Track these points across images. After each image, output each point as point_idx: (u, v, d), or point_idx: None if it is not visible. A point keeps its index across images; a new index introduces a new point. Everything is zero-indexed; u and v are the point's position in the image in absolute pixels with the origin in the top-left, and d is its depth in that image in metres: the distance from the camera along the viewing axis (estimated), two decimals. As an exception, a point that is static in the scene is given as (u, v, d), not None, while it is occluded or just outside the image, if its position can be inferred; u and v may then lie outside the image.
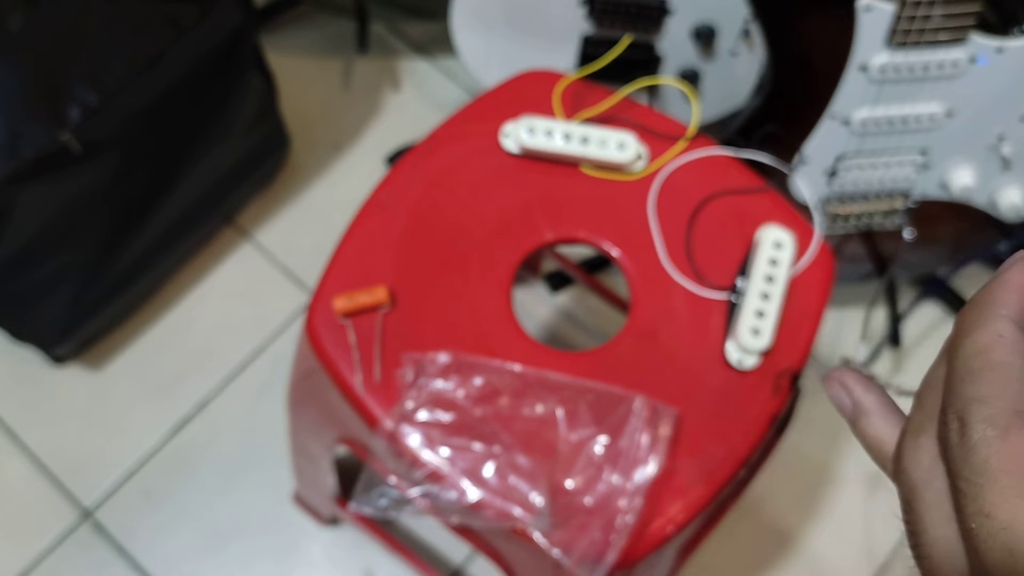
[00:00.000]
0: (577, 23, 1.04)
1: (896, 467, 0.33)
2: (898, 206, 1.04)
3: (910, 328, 1.25)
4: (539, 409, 0.67)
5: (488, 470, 0.65)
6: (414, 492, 0.66)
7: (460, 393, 0.67)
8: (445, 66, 1.39)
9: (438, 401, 0.67)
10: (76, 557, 1.06)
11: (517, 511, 0.64)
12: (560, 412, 0.67)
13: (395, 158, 1.30)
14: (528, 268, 1.24)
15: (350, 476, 0.82)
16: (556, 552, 0.64)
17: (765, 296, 0.70)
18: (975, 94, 0.92)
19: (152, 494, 1.10)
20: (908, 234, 1.06)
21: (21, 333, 1.07)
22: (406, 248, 0.72)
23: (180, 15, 0.97)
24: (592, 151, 0.75)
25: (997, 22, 0.89)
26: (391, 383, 0.68)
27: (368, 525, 1.04)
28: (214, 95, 1.08)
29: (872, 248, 1.10)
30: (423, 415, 0.66)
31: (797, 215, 0.76)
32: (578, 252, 1.21)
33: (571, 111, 0.78)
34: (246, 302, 1.21)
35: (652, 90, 1.09)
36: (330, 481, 0.94)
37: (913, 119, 0.94)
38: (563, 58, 1.06)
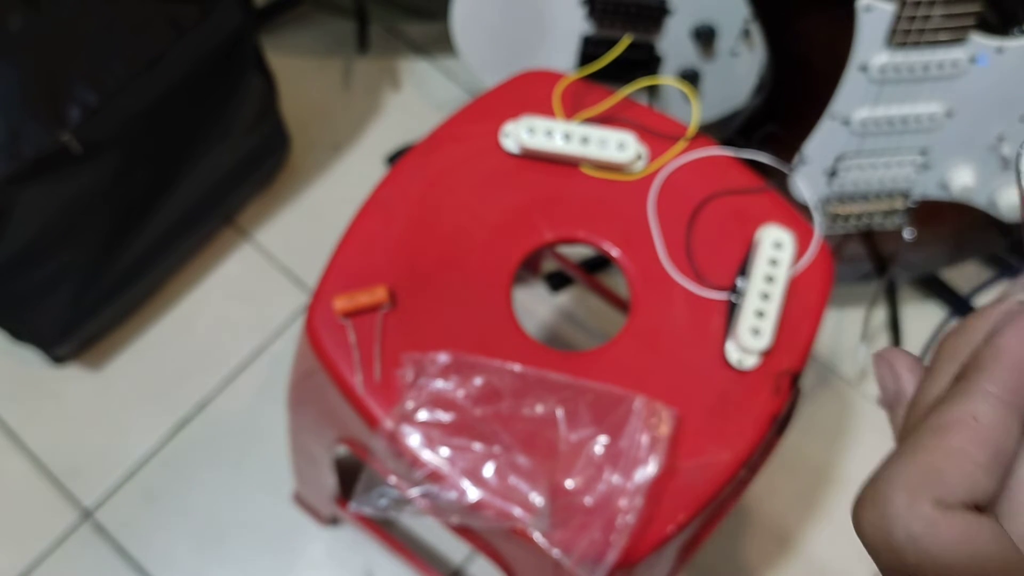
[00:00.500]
0: (577, 23, 1.04)
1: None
2: (898, 206, 1.04)
3: (910, 328, 1.25)
4: (539, 409, 0.67)
5: (488, 470, 0.65)
6: (414, 492, 0.66)
7: (460, 393, 0.67)
8: (445, 66, 1.39)
9: (438, 401, 0.67)
10: (76, 557, 1.06)
11: (517, 511, 0.64)
12: (560, 412, 0.67)
13: (395, 158, 1.30)
14: (528, 268, 1.24)
15: (350, 476, 0.82)
16: (556, 552, 0.64)
17: (765, 296, 0.70)
18: (975, 94, 0.92)
19: (152, 494, 1.10)
20: (908, 234, 1.06)
21: (21, 333, 1.07)
22: (406, 248, 0.72)
23: (180, 15, 0.97)
24: (592, 151, 0.75)
25: (997, 22, 0.89)
26: (391, 383, 0.67)
27: (368, 525, 1.04)
28: (214, 95, 1.08)
29: (872, 248, 1.10)
30: (423, 415, 0.66)
31: (797, 215, 0.76)
32: (578, 252, 1.21)
33: (571, 111, 0.78)
34: (246, 302, 1.21)
35: (652, 90, 1.09)
36: (330, 481, 0.94)
37: (913, 119, 0.94)
38: (563, 58, 1.06)
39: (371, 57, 1.39)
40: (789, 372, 0.70)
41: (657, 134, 0.78)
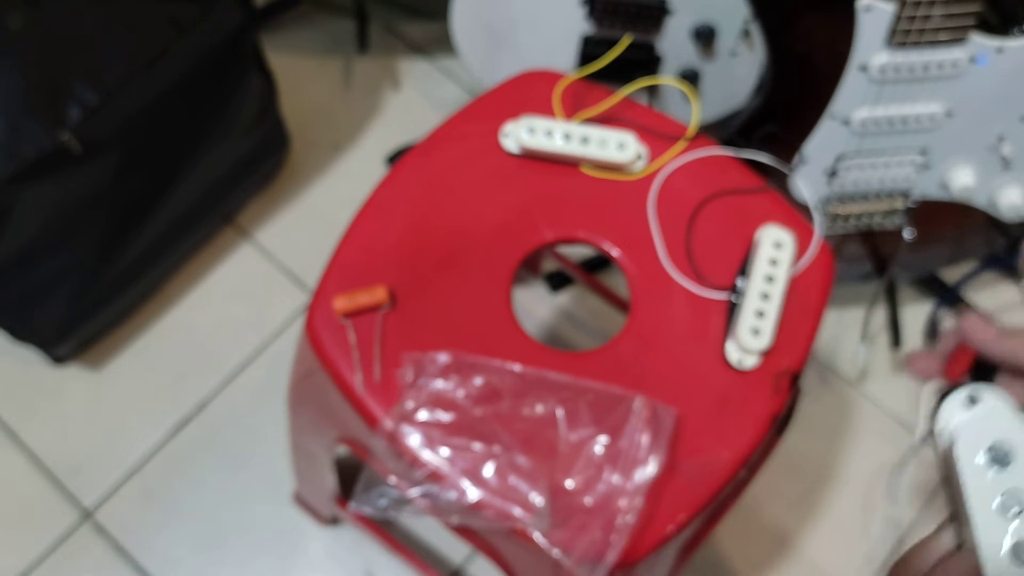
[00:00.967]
0: (577, 23, 1.04)
1: None
2: (898, 206, 1.04)
3: (910, 328, 1.25)
4: (539, 409, 0.67)
5: (488, 470, 0.65)
6: (414, 492, 0.66)
7: (460, 393, 0.67)
8: (445, 66, 1.39)
9: (438, 401, 0.67)
10: (76, 557, 1.06)
11: (517, 511, 0.64)
12: (560, 412, 0.67)
13: (395, 158, 1.30)
14: (528, 268, 1.24)
15: (350, 476, 0.82)
16: (556, 552, 0.64)
17: (765, 296, 0.70)
18: (975, 94, 0.92)
19: (152, 494, 1.10)
20: (908, 234, 1.06)
21: (21, 333, 1.07)
22: (406, 248, 0.72)
23: (180, 15, 0.97)
24: (592, 151, 0.75)
25: (997, 22, 0.89)
26: (391, 383, 0.68)
27: (368, 525, 1.04)
28: (214, 95, 1.08)
29: (872, 248, 1.10)
30: (423, 415, 0.66)
31: (797, 215, 0.76)
32: (578, 252, 1.21)
33: (571, 111, 0.78)
34: (246, 302, 1.21)
35: (652, 90, 1.09)
36: (330, 481, 0.94)
37: (913, 119, 0.94)
38: (563, 58, 1.06)
39: (371, 57, 1.39)
40: (789, 372, 0.70)
41: (657, 134, 0.78)
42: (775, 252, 0.72)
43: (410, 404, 0.66)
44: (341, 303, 0.69)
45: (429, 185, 0.75)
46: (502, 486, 0.65)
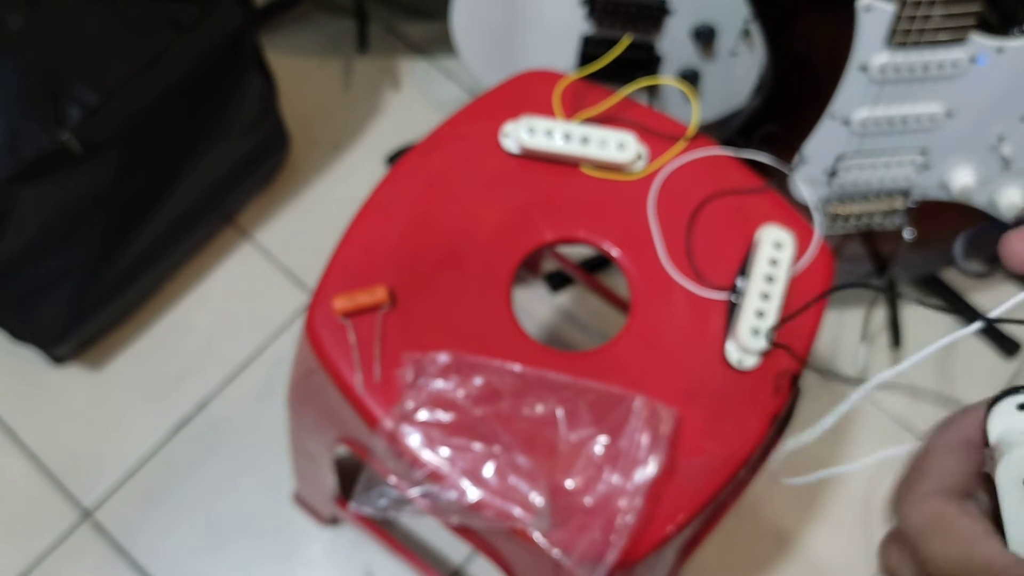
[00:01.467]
0: (577, 23, 1.04)
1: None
2: (898, 206, 1.04)
3: (910, 328, 1.25)
4: (539, 409, 0.67)
5: (488, 470, 0.65)
6: (414, 492, 0.66)
7: (460, 393, 0.67)
8: (445, 66, 1.39)
9: (438, 401, 0.67)
10: (76, 557, 1.06)
11: (517, 511, 0.64)
12: (560, 412, 0.67)
13: (395, 158, 1.30)
14: (528, 268, 1.24)
15: (350, 476, 0.82)
16: (556, 552, 0.64)
17: (765, 296, 0.70)
18: (975, 94, 0.92)
19: (152, 494, 1.10)
20: (908, 234, 1.06)
21: (21, 333, 1.07)
22: (406, 248, 0.72)
23: (180, 15, 0.97)
24: (592, 151, 0.75)
25: (997, 22, 0.89)
26: (391, 383, 0.68)
27: (368, 525, 1.04)
28: (214, 95, 1.08)
29: (872, 248, 1.10)
30: (423, 415, 0.66)
31: (797, 215, 0.76)
32: (578, 252, 1.21)
33: (571, 111, 0.78)
34: (246, 302, 1.21)
35: (652, 90, 1.09)
36: (330, 481, 0.94)
37: (913, 119, 0.94)
38: (563, 58, 1.06)
39: (371, 57, 1.39)
40: (789, 372, 0.70)
41: (657, 134, 0.78)
42: (775, 252, 0.72)
43: (410, 404, 0.66)
44: (341, 303, 0.69)
45: (429, 185, 0.75)
46: (502, 486, 0.65)
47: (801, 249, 0.74)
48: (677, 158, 0.77)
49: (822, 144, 0.96)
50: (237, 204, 1.23)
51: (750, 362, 0.70)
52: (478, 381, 0.67)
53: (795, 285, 0.72)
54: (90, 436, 1.12)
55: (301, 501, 1.09)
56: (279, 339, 1.19)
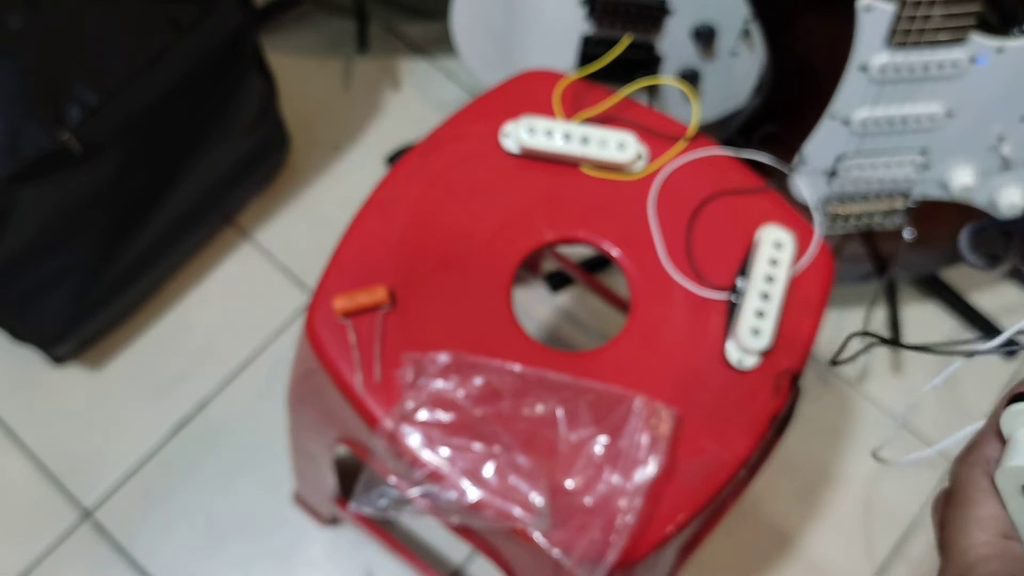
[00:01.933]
0: (577, 23, 1.04)
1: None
2: (898, 206, 1.04)
3: (910, 328, 1.25)
4: (539, 409, 0.67)
5: (488, 470, 0.65)
6: (414, 492, 0.66)
7: (460, 393, 0.67)
8: (445, 66, 1.39)
9: (438, 401, 0.67)
10: (76, 557, 1.06)
11: (517, 511, 0.64)
12: (560, 412, 0.67)
13: (395, 158, 1.30)
14: (528, 268, 1.24)
15: (350, 476, 0.82)
16: (556, 552, 0.64)
17: (765, 296, 0.70)
18: (975, 94, 0.92)
19: (152, 494, 1.10)
20: (908, 234, 1.06)
21: (21, 333, 1.07)
22: (406, 248, 0.72)
23: (180, 15, 0.97)
24: (592, 151, 0.75)
25: (997, 22, 0.89)
26: (391, 383, 0.68)
27: (368, 525, 1.04)
28: (214, 95, 1.08)
29: (872, 248, 1.10)
30: (423, 415, 0.66)
31: (797, 215, 0.76)
32: (578, 252, 1.21)
33: (571, 111, 0.78)
34: (246, 302, 1.21)
35: (652, 90, 1.09)
36: (330, 481, 0.94)
37: (913, 119, 0.94)
38: (563, 58, 1.06)
39: (371, 57, 1.39)
40: (789, 372, 0.70)
41: (657, 134, 0.78)
42: (775, 252, 0.72)
43: (410, 404, 0.66)
44: (341, 303, 0.69)
45: (429, 185, 0.75)
46: (502, 486, 0.65)
47: (801, 249, 0.74)
48: (677, 158, 0.77)
49: (822, 144, 0.96)
50: (237, 204, 1.23)
51: (750, 362, 0.70)
52: (478, 381, 0.67)
53: (795, 285, 0.72)
54: (90, 436, 1.12)
55: (301, 501, 1.09)
56: (279, 339, 1.19)
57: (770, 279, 0.71)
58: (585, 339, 1.22)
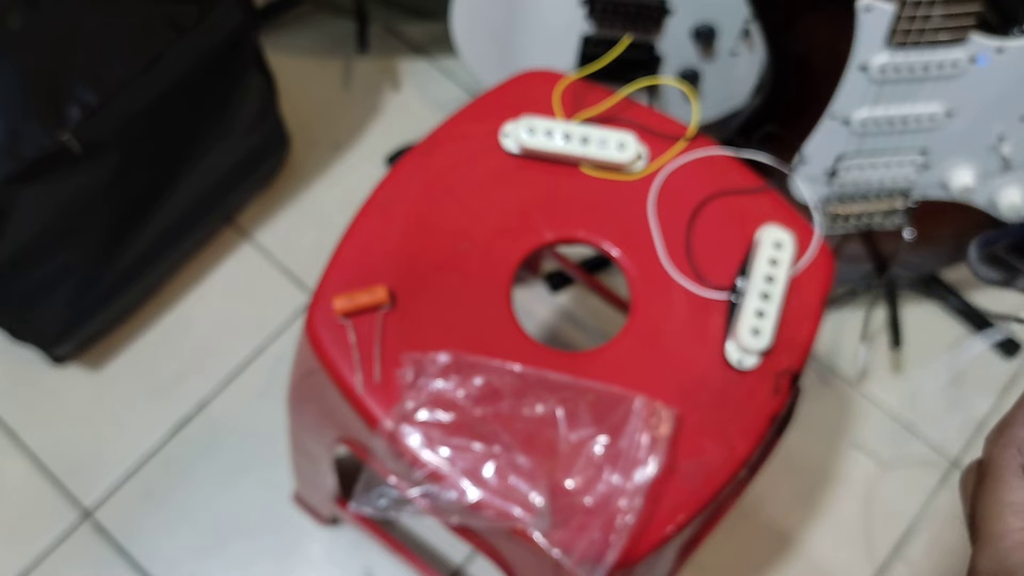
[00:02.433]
0: (577, 23, 1.04)
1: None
2: (898, 206, 1.04)
3: (910, 328, 1.25)
4: (539, 409, 0.67)
5: (488, 470, 0.65)
6: (414, 492, 0.66)
7: (460, 393, 0.67)
8: (445, 66, 1.39)
9: (438, 401, 0.67)
10: (76, 557, 1.06)
11: (517, 511, 0.64)
12: (560, 412, 0.67)
13: (395, 158, 1.30)
14: (528, 268, 1.24)
15: (350, 476, 0.82)
16: (556, 552, 0.64)
17: (765, 296, 0.70)
18: (975, 94, 0.92)
19: (152, 494, 1.10)
20: (908, 234, 1.06)
21: (21, 333, 1.07)
22: (406, 248, 0.72)
23: (180, 15, 0.97)
24: (592, 151, 0.75)
25: (997, 22, 0.89)
26: (391, 383, 0.68)
27: (368, 525, 1.04)
28: (214, 95, 1.08)
29: (872, 248, 1.10)
30: (423, 415, 0.66)
31: (797, 215, 0.76)
32: (578, 252, 1.21)
33: (571, 111, 0.78)
34: (246, 302, 1.21)
35: (652, 90, 1.09)
36: (330, 481, 0.94)
37: (913, 119, 0.94)
38: (563, 58, 1.06)
39: (371, 57, 1.39)
40: (789, 372, 0.70)
41: (657, 134, 0.78)
42: (775, 252, 0.72)
43: (410, 404, 0.66)
44: (341, 303, 0.69)
45: (429, 185, 0.75)
46: (502, 486, 0.65)
47: (801, 249, 0.74)
48: (677, 158, 0.77)
49: (822, 144, 0.96)
50: (237, 204, 1.23)
51: (750, 362, 0.70)
52: (478, 381, 0.67)
53: (795, 285, 0.72)
54: (90, 436, 1.12)
55: (301, 501, 1.09)
56: (279, 339, 1.19)
57: (770, 279, 0.71)
58: (585, 339, 1.22)
